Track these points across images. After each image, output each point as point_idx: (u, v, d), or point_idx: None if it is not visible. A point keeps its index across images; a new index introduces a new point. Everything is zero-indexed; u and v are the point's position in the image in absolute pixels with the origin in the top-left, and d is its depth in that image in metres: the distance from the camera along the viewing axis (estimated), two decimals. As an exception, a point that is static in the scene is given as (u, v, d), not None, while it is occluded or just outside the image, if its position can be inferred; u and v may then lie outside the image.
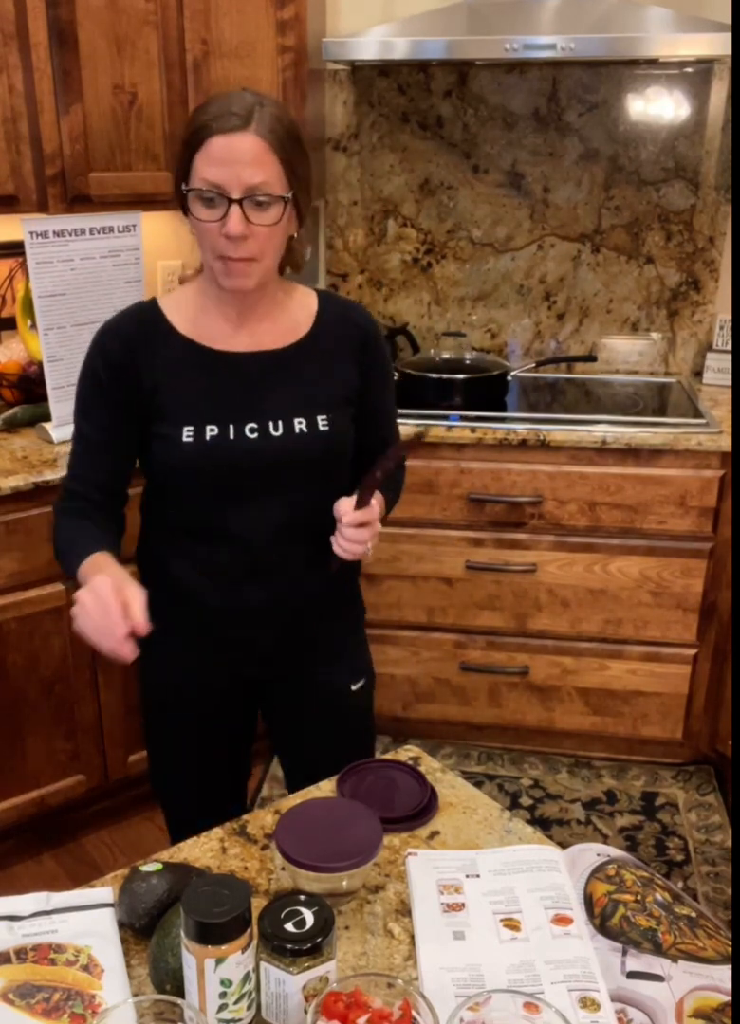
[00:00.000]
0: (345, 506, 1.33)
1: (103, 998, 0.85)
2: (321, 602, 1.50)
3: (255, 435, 1.36)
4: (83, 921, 0.93)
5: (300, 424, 1.38)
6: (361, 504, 1.32)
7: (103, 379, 1.38)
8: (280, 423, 1.37)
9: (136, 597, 1.18)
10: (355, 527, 1.31)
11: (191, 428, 1.35)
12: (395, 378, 1.66)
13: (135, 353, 1.38)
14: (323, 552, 1.36)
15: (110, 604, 1.15)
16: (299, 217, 1.38)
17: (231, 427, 1.36)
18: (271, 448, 1.37)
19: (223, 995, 0.79)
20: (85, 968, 0.88)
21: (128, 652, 1.16)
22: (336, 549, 1.34)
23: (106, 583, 1.17)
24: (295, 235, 1.39)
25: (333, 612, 1.54)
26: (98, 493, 1.42)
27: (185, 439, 1.35)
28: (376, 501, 1.35)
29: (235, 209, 1.26)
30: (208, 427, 1.35)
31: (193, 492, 1.40)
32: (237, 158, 1.25)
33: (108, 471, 1.43)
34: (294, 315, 1.44)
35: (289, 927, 0.80)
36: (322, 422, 1.39)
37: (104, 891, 0.97)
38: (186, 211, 1.34)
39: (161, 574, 1.47)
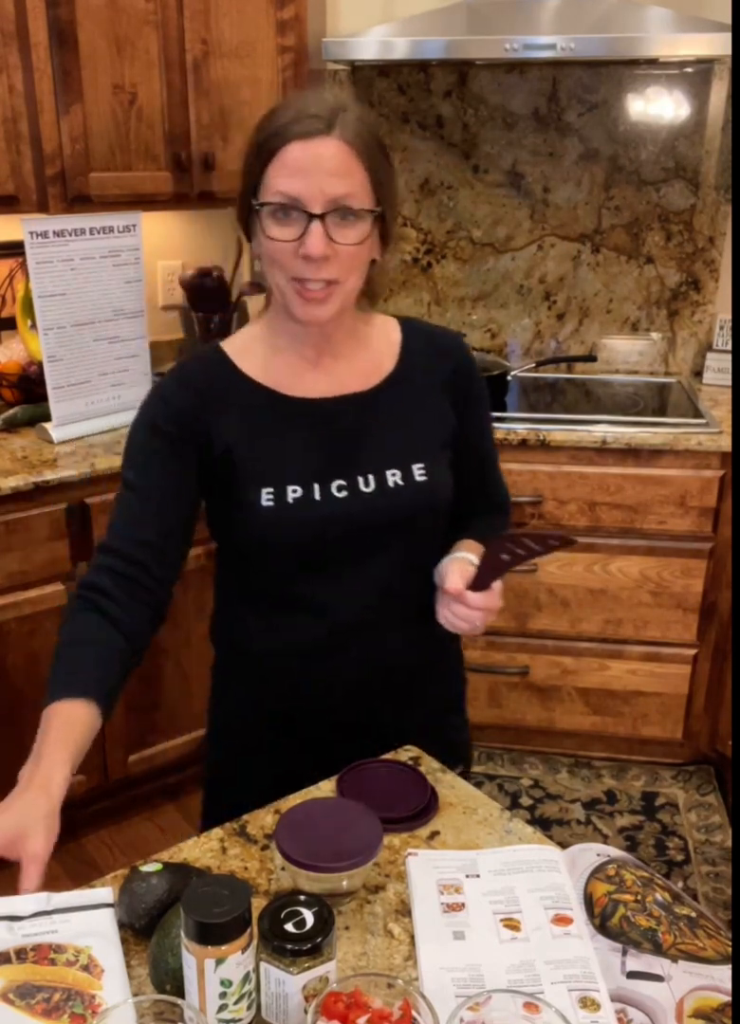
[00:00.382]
0: (454, 579, 1.15)
1: (103, 998, 0.85)
2: (418, 676, 1.32)
3: (344, 494, 1.20)
4: (83, 921, 0.93)
5: (394, 477, 1.21)
6: (481, 585, 1.15)
7: (165, 431, 1.20)
8: (371, 478, 1.20)
9: (34, 856, 0.93)
10: (476, 608, 1.16)
11: (270, 490, 1.18)
12: None
13: (204, 405, 1.20)
14: (422, 617, 1.22)
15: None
16: (383, 239, 1.19)
17: (316, 487, 1.19)
18: (362, 507, 1.20)
19: (223, 995, 0.79)
20: (85, 968, 0.88)
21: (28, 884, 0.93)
22: (440, 619, 1.19)
23: (8, 815, 0.96)
24: (377, 260, 1.20)
25: (430, 688, 1.35)
26: (142, 552, 1.19)
27: (264, 503, 1.18)
28: (499, 585, 1.16)
29: (316, 226, 1.08)
30: (290, 488, 1.18)
31: (274, 561, 1.23)
32: (319, 166, 1.08)
33: (158, 531, 1.21)
34: (376, 350, 1.26)
35: (289, 927, 0.80)
36: (419, 472, 1.22)
37: (104, 891, 0.97)
38: (249, 233, 1.19)
39: (238, 651, 1.34)
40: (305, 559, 1.22)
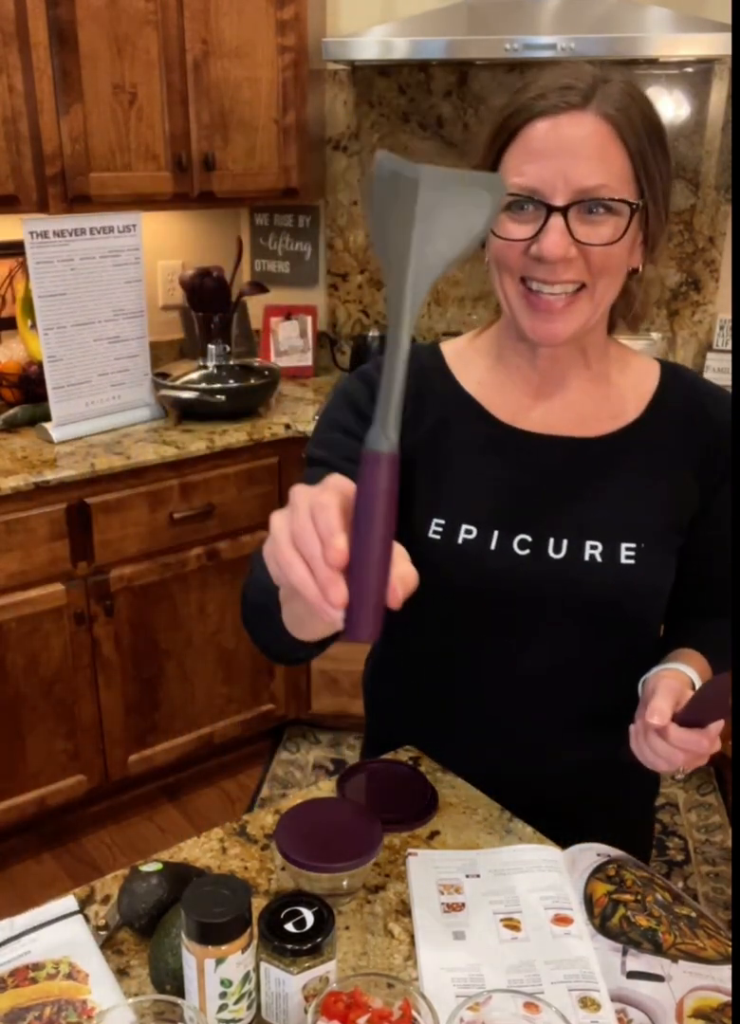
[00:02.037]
0: (661, 703, 0.88)
1: (95, 1001, 0.85)
2: (596, 785, 1.10)
3: (525, 552, 1.00)
4: (54, 934, 0.92)
5: (594, 550, 0.99)
6: (693, 720, 0.87)
7: (364, 414, 1.01)
8: (564, 543, 0.99)
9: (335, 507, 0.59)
10: (680, 749, 0.88)
11: (442, 522, 1.00)
12: None
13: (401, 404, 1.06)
14: (610, 733, 0.97)
15: (307, 521, 0.59)
16: (647, 243, 0.96)
17: (495, 534, 1.00)
18: (543, 574, 0.99)
19: (223, 995, 0.79)
20: (69, 976, 0.87)
21: (335, 597, 0.57)
22: (634, 746, 0.93)
23: (305, 492, 0.61)
24: (639, 270, 0.97)
25: (613, 795, 1.14)
26: None
27: (431, 535, 1.00)
28: (718, 724, 0.88)
29: (555, 220, 0.88)
30: (464, 526, 1.00)
31: (430, 611, 1.03)
32: (566, 147, 0.88)
33: None
34: (620, 393, 1.04)
35: (289, 927, 0.80)
36: (627, 553, 0.99)
37: (67, 901, 0.96)
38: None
39: (386, 715, 1.20)
40: (465, 617, 1.03)
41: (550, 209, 0.89)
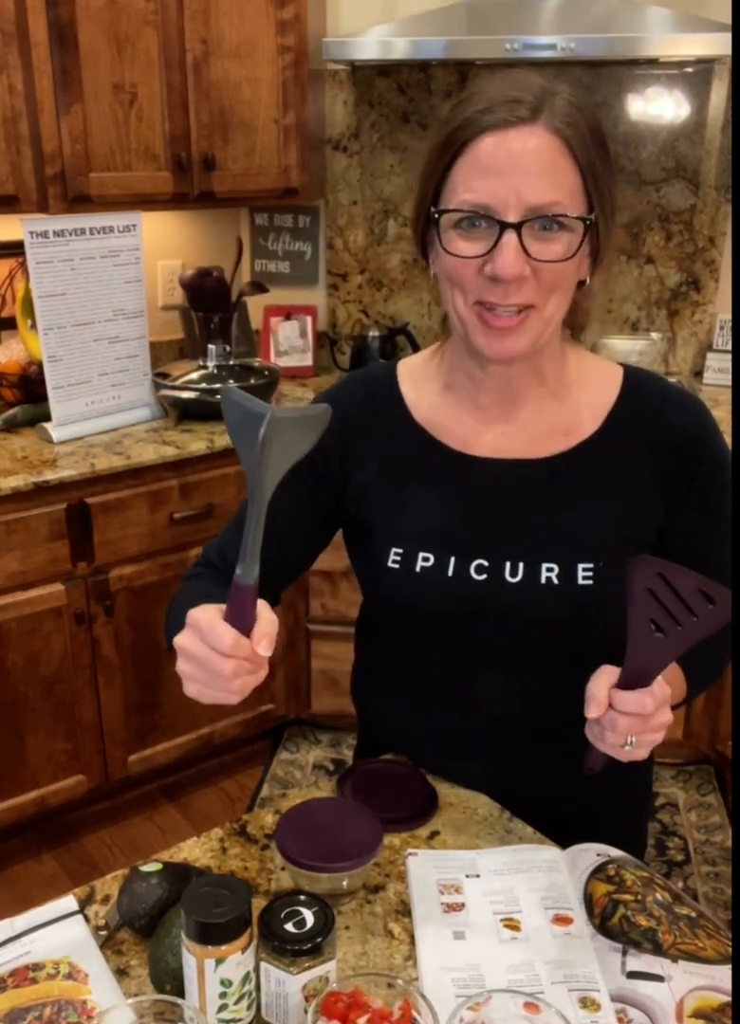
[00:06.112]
0: (594, 690, 0.85)
1: (95, 1001, 0.85)
2: (577, 797, 1.08)
3: (483, 577, 1.00)
4: (54, 935, 0.92)
5: (550, 572, 0.98)
6: (632, 682, 0.84)
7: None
8: (520, 566, 0.99)
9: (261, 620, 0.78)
10: (620, 713, 0.84)
11: (400, 552, 1.01)
12: None
13: (351, 439, 1.04)
14: (584, 748, 0.92)
15: (208, 634, 0.77)
16: (594, 255, 0.95)
17: (452, 561, 1.00)
18: (501, 598, 0.99)
19: (223, 995, 0.79)
20: (69, 976, 0.87)
21: (235, 690, 0.79)
22: (589, 735, 0.89)
23: (202, 613, 0.79)
24: (586, 282, 0.97)
25: (597, 805, 1.11)
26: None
27: (390, 565, 1.02)
28: (662, 681, 0.85)
29: (510, 239, 0.87)
30: (421, 555, 1.01)
31: (399, 634, 1.08)
32: (517, 163, 0.87)
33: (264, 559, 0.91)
34: (575, 406, 1.02)
35: (289, 927, 0.80)
36: (584, 574, 0.97)
37: (67, 901, 0.96)
38: (424, 250, 0.97)
39: (372, 729, 1.22)
40: (431, 640, 1.05)
41: (503, 226, 0.88)
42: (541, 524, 1.00)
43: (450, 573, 1.01)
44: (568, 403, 1.02)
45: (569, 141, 0.88)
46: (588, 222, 0.90)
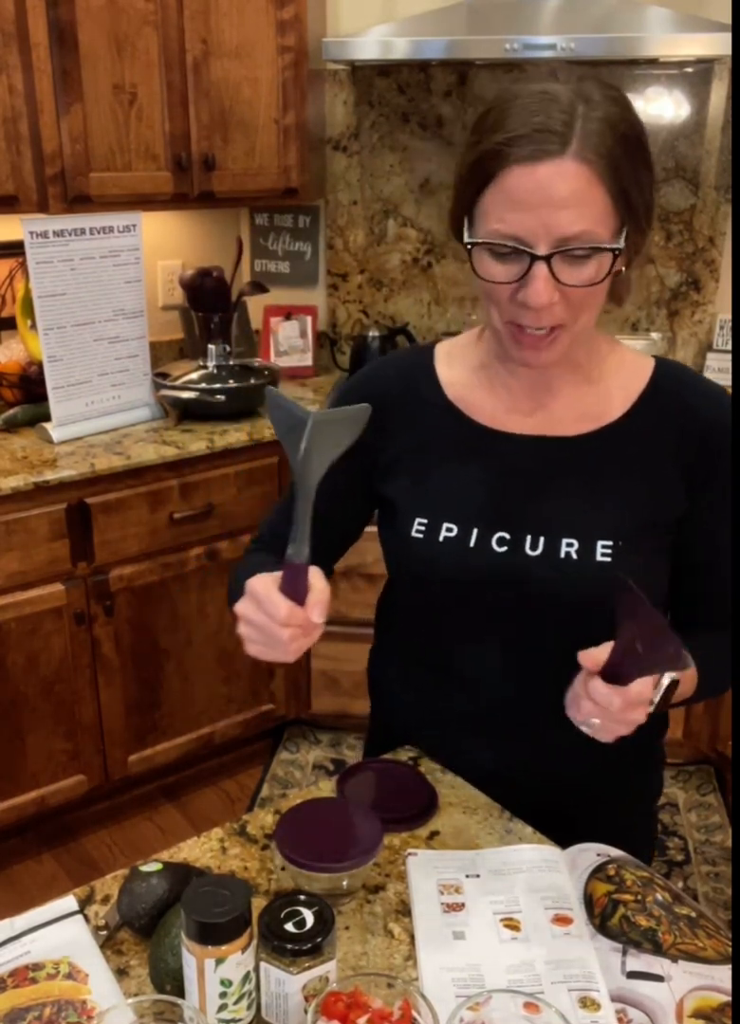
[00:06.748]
0: (592, 654, 0.88)
1: (95, 1002, 0.85)
2: (589, 777, 1.11)
3: (503, 549, 1.02)
4: (54, 934, 0.92)
5: (570, 548, 1.00)
6: (610, 676, 0.86)
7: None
8: (541, 540, 1.01)
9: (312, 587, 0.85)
10: (588, 699, 0.88)
11: (424, 522, 1.05)
12: None
13: (384, 416, 1.06)
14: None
15: (265, 604, 0.84)
16: (631, 250, 0.96)
17: (474, 532, 1.03)
18: (521, 571, 1.01)
19: (223, 995, 0.79)
20: (68, 976, 0.87)
21: (291, 653, 0.86)
22: (568, 710, 0.92)
23: (260, 584, 0.86)
24: (623, 271, 0.97)
25: (604, 790, 1.14)
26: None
27: (414, 534, 1.05)
28: (644, 684, 0.86)
29: (540, 270, 0.89)
30: (445, 525, 1.04)
31: (419, 609, 1.12)
32: (546, 198, 0.87)
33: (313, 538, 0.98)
34: (607, 392, 1.04)
35: (289, 927, 0.80)
36: (603, 550, 0.99)
37: (67, 901, 0.96)
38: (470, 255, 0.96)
39: (387, 706, 1.25)
40: (449, 613, 1.07)
41: (533, 257, 0.89)
42: (564, 500, 1.02)
43: (472, 544, 1.03)
44: (599, 387, 1.05)
45: (600, 171, 0.88)
46: (616, 251, 0.91)
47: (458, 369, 1.10)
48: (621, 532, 1.00)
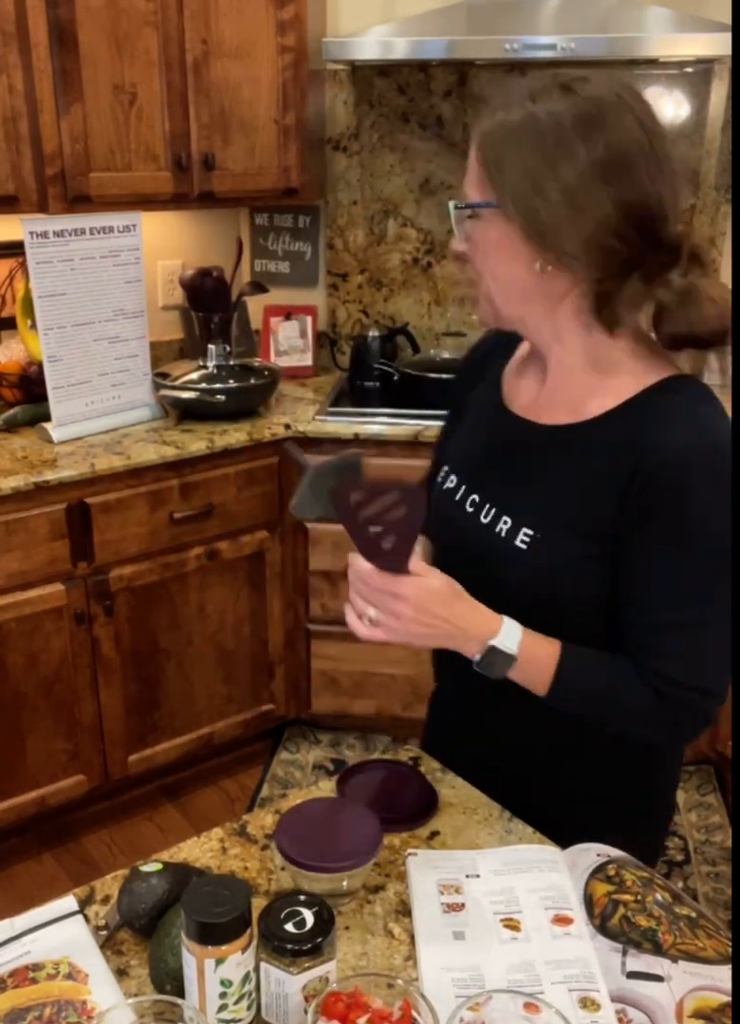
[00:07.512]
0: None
1: (95, 1002, 0.85)
2: (583, 775, 1.15)
3: (470, 510, 1.13)
4: (54, 935, 0.92)
5: (504, 525, 1.08)
6: (373, 556, 0.98)
7: (455, 380, 1.31)
8: (492, 512, 1.10)
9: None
10: (367, 585, 0.99)
11: (445, 469, 1.20)
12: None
13: (473, 377, 1.25)
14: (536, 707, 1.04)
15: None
16: (534, 237, 0.98)
17: (462, 488, 1.15)
18: (473, 535, 1.11)
19: (223, 995, 0.79)
20: (69, 977, 0.87)
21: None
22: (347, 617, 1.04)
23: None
24: (539, 266, 1.00)
25: (585, 778, 1.16)
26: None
27: (438, 479, 1.21)
28: (414, 582, 0.98)
29: (455, 223, 1.06)
30: (451, 477, 1.18)
31: (437, 550, 1.18)
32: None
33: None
34: (593, 393, 1.05)
35: (289, 927, 0.80)
36: (523, 537, 1.05)
37: (67, 901, 0.96)
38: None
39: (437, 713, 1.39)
40: (446, 562, 1.06)
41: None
42: (515, 484, 1.10)
43: (457, 497, 1.16)
44: (589, 386, 1.06)
45: (482, 144, 1.00)
46: (478, 206, 1.01)
47: (524, 350, 1.20)
48: (544, 526, 1.05)
